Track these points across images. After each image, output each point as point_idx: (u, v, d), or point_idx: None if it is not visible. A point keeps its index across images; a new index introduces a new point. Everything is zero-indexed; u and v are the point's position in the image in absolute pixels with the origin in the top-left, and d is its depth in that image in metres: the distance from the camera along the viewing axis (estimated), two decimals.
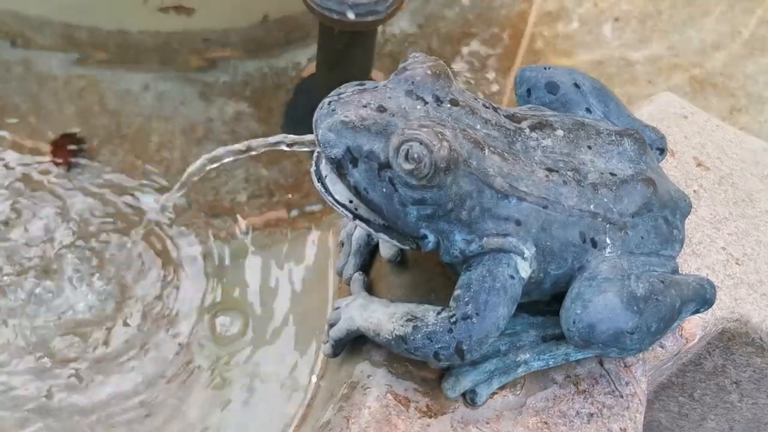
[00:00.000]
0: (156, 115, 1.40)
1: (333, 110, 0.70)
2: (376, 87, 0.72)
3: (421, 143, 0.68)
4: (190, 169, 0.88)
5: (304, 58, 1.52)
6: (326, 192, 0.74)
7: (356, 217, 0.74)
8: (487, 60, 1.59)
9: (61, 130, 1.34)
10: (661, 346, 0.86)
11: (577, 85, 0.86)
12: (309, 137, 0.78)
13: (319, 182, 0.74)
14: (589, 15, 1.69)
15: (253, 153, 0.85)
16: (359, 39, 1.34)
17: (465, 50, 1.60)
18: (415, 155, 0.68)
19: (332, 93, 0.72)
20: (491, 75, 1.57)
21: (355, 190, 0.71)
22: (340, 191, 0.73)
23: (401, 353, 0.76)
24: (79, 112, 1.38)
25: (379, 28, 1.43)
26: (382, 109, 0.70)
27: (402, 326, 0.74)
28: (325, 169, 0.73)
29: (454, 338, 0.71)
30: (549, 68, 0.87)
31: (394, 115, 0.70)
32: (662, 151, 0.91)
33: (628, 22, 1.70)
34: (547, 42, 1.64)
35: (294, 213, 1.31)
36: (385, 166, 0.69)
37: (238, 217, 1.29)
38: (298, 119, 1.45)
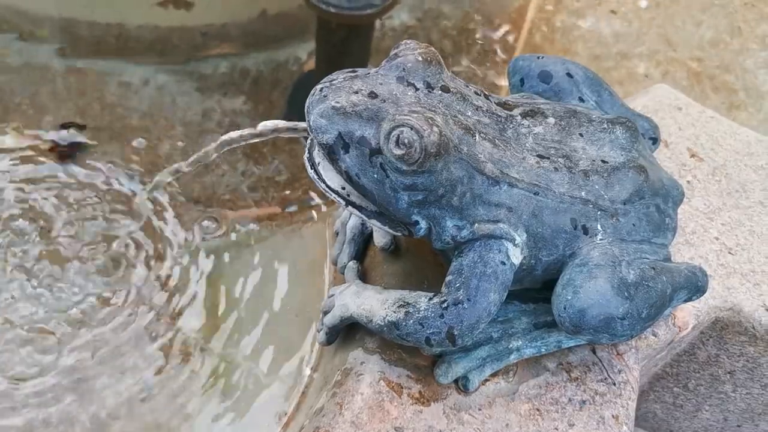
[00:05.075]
0: (155, 108, 1.40)
1: (325, 96, 0.71)
2: (368, 74, 0.73)
3: (411, 129, 0.68)
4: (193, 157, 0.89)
5: (304, 53, 1.53)
6: (319, 179, 0.74)
7: (349, 203, 0.74)
8: (485, 54, 1.59)
9: (60, 122, 1.35)
10: (654, 335, 0.86)
11: (569, 75, 0.86)
12: (302, 124, 0.78)
13: (312, 169, 0.74)
14: (587, 9, 1.70)
15: (254, 141, 0.85)
16: (357, 32, 1.34)
17: (463, 44, 1.60)
18: (406, 140, 0.68)
19: (324, 80, 0.73)
20: (489, 69, 1.57)
21: (347, 176, 0.71)
22: (332, 178, 0.73)
23: (394, 339, 0.76)
24: (78, 105, 1.38)
25: (378, 23, 1.43)
26: (373, 95, 0.71)
27: (394, 312, 0.74)
28: (318, 156, 0.74)
29: (446, 323, 0.72)
30: (542, 57, 0.87)
31: (385, 101, 0.70)
32: (655, 140, 0.91)
33: (626, 16, 1.70)
34: (545, 36, 1.64)
35: (290, 208, 1.32)
36: (377, 151, 0.70)
37: (235, 210, 1.29)
38: (299, 113, 1.45)
